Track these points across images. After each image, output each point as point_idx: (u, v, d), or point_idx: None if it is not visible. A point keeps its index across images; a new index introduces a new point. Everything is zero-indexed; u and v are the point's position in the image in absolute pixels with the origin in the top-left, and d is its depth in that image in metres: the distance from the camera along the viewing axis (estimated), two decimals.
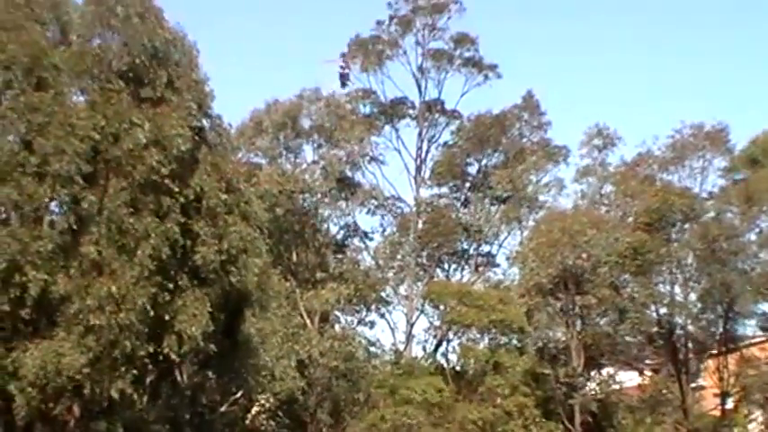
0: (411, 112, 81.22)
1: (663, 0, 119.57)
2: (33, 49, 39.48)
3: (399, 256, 78.31)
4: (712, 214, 69.49)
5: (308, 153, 73.60)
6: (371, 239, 79.63)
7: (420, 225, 78.87)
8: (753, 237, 69.26)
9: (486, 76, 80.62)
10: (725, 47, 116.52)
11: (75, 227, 39.69)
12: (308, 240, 73.01)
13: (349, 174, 75.61)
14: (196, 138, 42.47)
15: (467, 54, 79.86)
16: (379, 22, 79.48)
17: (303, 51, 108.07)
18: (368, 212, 79.17)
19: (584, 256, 64.61)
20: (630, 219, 69.16)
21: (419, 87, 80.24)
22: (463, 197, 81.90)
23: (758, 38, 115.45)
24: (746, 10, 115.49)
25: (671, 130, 72.65)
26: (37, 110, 38.98)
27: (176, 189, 41.03)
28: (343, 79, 76.60)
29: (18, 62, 39.14)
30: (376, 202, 78.53)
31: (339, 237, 77.92)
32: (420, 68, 79.66)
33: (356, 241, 79.00)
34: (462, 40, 79.69)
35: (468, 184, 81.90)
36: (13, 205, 39.10)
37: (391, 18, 79.50)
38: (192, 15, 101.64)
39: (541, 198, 78.68)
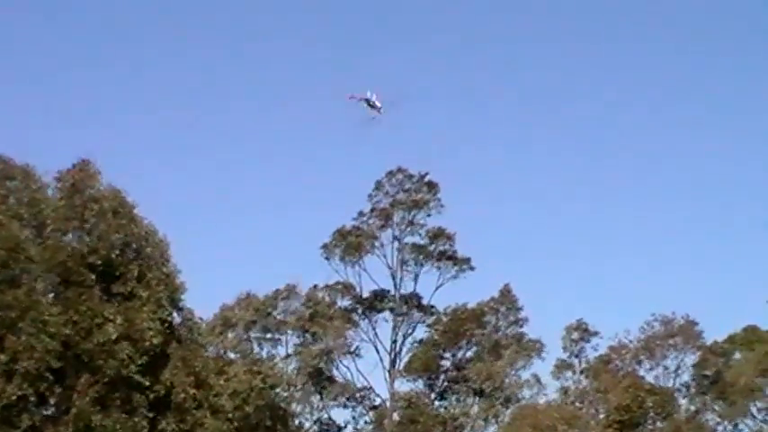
0: (388, 305, 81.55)
1: (637, 194, 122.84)
2: (10, 243, 40.33)
3: None
4: (684, 412, 69.52)
5: (284, 347, 73.70)
6: None
7: (395, 418, 78.05)
8: None
9: (461, 270, 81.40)
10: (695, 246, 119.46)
11: (38, 425, 39.50)
12: None
13: (323, 368, 75.29)
14: (167, 331, 42.89)
15: (441, 248, 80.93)
16: (361, 213, 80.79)
17: (284, 242, 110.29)
18: (342, 406, 78.44)
19: None
20: (602, 415, 69.00)
21: (394, 281, 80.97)
22: (439, 390, 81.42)
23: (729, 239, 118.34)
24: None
25: (642, 322, 73.62)
26: (10, 307, 39.44)
27: (146, 384, 41.15)
28: (373, 107, 67.96)
29: None
30: (350, 396, 77.81)
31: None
32: (396, 262, 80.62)
33: None
34: (439, 235, 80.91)
35: (443, 378, 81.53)
36: None
37: (372, 210, 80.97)
38: (174, 208, 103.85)
39: (518, 393, 78.18)
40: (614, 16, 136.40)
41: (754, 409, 70.94)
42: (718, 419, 72.86)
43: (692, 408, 73.80)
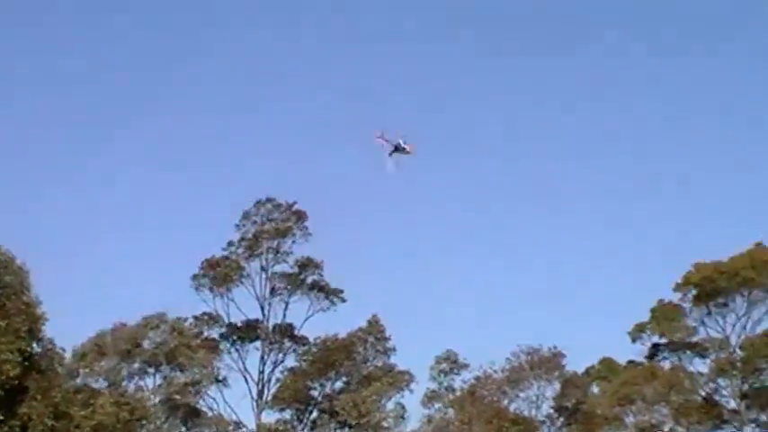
0: (256, 335, 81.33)
1: (507, 227, 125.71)
2: None
3: None
4: None
5: (150, 378, 72.84)
6: None
7: None
8: None
9: (332, 301, 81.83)
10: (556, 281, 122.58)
11: None
12: None
13: (191, 399, 74.58)
14: (25, 363, 42.10)
15: (312, 278, 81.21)
16: (230, 243, 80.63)
17: (151, 272, 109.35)
18: None
19: None
20: None
21: (263, 311, 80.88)
22: (307, 421, 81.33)
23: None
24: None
25: (508, 353, 75.37)
26: None
27: (1, 418, 40.36)
28: (396, 150, 65.41)
29: None
30: (217, 429, 77.10)
31: None
32: (265, 292, 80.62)
33: None
34: (307, 264, 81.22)
35: (312, 409, 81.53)
36: None
37: (240, 240, 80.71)
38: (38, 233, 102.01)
39: (386, 424, 78.67)
40: None
41: None
42: None
43: None
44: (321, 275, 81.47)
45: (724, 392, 74.07)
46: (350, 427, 79.00)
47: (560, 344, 76.21)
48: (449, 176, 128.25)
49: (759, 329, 74.69)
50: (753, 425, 73.63)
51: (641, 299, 78.39)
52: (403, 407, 79.04)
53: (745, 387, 72.89)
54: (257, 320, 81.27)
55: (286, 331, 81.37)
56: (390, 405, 79.28)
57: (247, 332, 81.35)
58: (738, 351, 74.07)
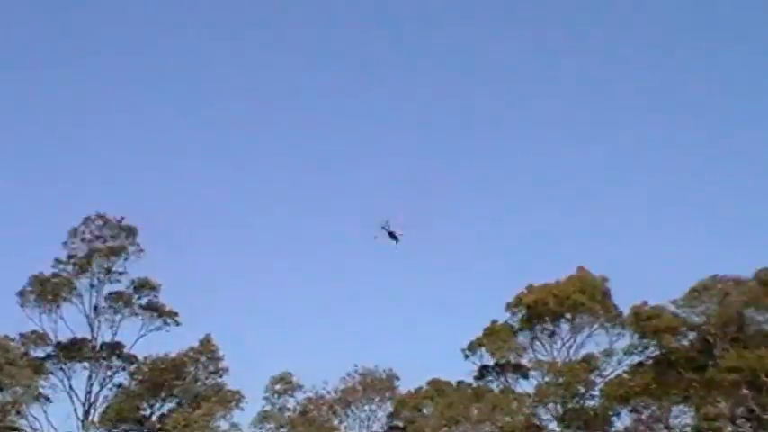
0: (84, 354, 79.67)
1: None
2: None
3: None
4: None
5: None
6: None
7: None
8: None
9: (166, 322, 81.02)
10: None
11: None
12: None
13: (13, 419, 72.54)
14: None
15: (146, 299, 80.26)
16: (58, 260, 79.12)
17: None
18: None
19: None
20: None
21: (91, 329, 79.31)
22: None
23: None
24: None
25: (344, 373, 76.31)
26: None
27: None
28: (390, 235, 66.30)
29: None
30: None
31: None
32: (94, 310, 79.09)
33: None
34: (144, 285, 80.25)
35: (143, 429, 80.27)
36: None
37: (69, 257, 79.24)
38: None
39: None
40: None
41: None
42: None
43: None
44: (156, 297, 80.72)
45: (547, 415, 76.20)
46: None
47: (399, 363, 77.81)
48: (285, 194, 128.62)
49: (582, 353, 77.34)
50: None
51: (483, 318, 79.98)
52: (237, 427, 78.91)
53: (565, 410, 75.15)
54: (85, 339, 79.76)
55: (114, 350, 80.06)
56: (225, 425, 79.02)
57: (75, 350, 79.68)
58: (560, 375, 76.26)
